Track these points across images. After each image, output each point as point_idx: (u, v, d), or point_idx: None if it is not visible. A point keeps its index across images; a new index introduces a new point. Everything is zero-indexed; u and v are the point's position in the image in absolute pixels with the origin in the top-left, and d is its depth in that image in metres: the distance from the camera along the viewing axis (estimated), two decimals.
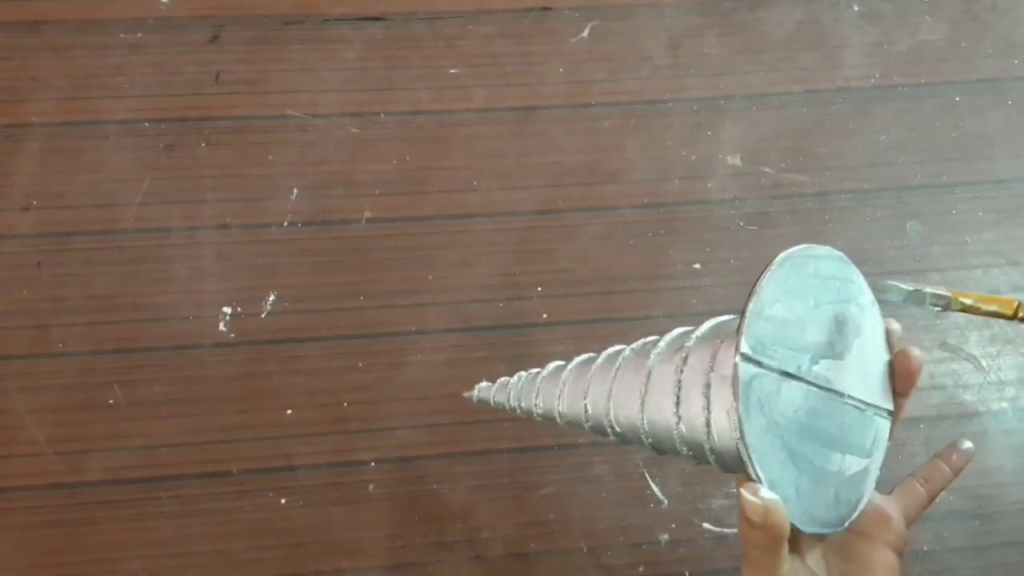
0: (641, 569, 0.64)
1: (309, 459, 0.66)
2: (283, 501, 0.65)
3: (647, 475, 0.67)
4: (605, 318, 0.71)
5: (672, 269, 0.73)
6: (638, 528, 0.65)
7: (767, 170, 0.77)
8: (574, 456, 0.67)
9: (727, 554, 0.65)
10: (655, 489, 0.66)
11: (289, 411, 0.67)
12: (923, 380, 0.70)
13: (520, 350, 0.69)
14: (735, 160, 0.77)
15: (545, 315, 0.71)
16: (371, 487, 0.65)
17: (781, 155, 0.77)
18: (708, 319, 0.41)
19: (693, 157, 0.77)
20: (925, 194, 0.77)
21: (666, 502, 0.66)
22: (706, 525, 0.65)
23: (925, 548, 0.66)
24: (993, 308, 0.37)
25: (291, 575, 0.63)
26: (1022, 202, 0.77)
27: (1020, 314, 0.37)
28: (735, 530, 0.65)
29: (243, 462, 0.65)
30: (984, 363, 0.71)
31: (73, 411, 0.66)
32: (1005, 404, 0.70)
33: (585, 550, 0.65)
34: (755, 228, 0.74)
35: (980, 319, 0.72)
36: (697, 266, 0.73)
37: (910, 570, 0.65)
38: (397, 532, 0.64)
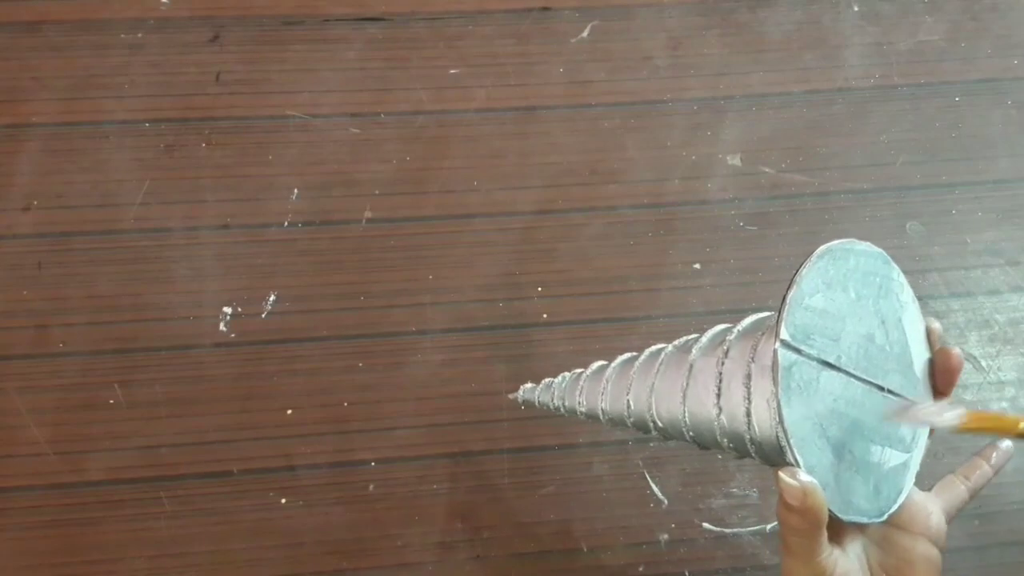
0: (641, 569, 0.64)
1: (309, 459, 0.66)
2: (283, 501, 0.65)
3: (647, 475, 0.67)
4: (605, 318, 0.71)
5: (672, 269, 0.73)
6: (638, 528, 0.65)
7: (767, 170, 0.77)
8: (574, 456, 0.67)
9: (727, 554, 0.65)
10: (655, 489, 0.66)
11: (289, 411, 0.67)
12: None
13: (520, 350, 0.69)
14: (735, 160, 0.77)
15: (545, 315, 0.71)
16: (371, 487, 0.65)
17: (781, 155, 0.77)
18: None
19: (693, 157, 0.77)
20: (925, 194, 0.77)
21: (666, 502, 0.66)
22: (706, 525, 0.65)
23: None
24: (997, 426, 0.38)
25: (291, 575, 0.63)
26: (1022, 202, 0.77)
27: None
28: (735, 530, 0.65)
29: (243, 462, 0.65)
30: (984, 363, 0.71)
31: (73, 411, 0.66)
32: (1005, 404, 0.70)
33: (585, 550, 0.65)
34: (755, 228, 0.74)
35: (980, 319, 0.72)
36: (697, 266, 0.73)
37: None
38: (397, 532, 0.64)
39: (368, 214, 0.73)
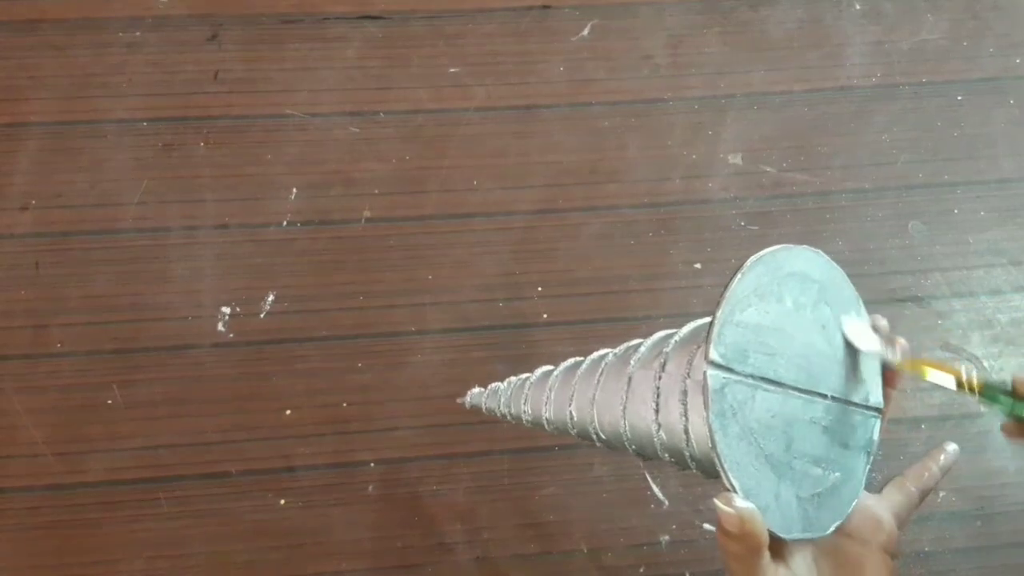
0: (642, 570, 0.64)
1: (308, 460, 0.66)
2: (282, 502, 0.65)
3: (647, 476, 0.66)
4: (605, 318, 0.71)
5: (672, 269, 0.73)
6: (638, 529, 0.65)
7: (768, 169, 0.77)
8: (574, 457, 0.67)
9: None
10: (655, 490, 0.66)
11: (288, 411, 0.67)
12: (925, 381, 0.70)
13: (520, 350, 0.69)
14: (736, 159, 0.77)
15: (545, 315, 0.70)
16: (371, 488, 0.65)
17: (782, 154, 0.77)
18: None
19: (694, 156, 0.77)
20: (927, 193, 0.76)
21: (666, 503, 0.66)
22: (706, 526, 0.65)
23: (927, 549, 0.65)
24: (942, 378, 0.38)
25: None
26: None
27: (965, 387, 0.37)
28: None
29: (242, 463, 0.65)
30: (986, 363, 0.71)
31: (71, 411, 0.66)
32: None
33: (585, 551, 0.64)
34: (756, 227, 0.74)
35: (983, 319, 0.72)
36: (698, 266, 0.73)
37: (912, 571, 0.65)
38: (397, 533, 0.64)
39: (367, 214, 0.73)
